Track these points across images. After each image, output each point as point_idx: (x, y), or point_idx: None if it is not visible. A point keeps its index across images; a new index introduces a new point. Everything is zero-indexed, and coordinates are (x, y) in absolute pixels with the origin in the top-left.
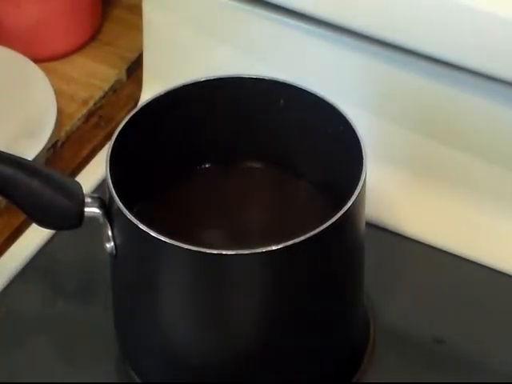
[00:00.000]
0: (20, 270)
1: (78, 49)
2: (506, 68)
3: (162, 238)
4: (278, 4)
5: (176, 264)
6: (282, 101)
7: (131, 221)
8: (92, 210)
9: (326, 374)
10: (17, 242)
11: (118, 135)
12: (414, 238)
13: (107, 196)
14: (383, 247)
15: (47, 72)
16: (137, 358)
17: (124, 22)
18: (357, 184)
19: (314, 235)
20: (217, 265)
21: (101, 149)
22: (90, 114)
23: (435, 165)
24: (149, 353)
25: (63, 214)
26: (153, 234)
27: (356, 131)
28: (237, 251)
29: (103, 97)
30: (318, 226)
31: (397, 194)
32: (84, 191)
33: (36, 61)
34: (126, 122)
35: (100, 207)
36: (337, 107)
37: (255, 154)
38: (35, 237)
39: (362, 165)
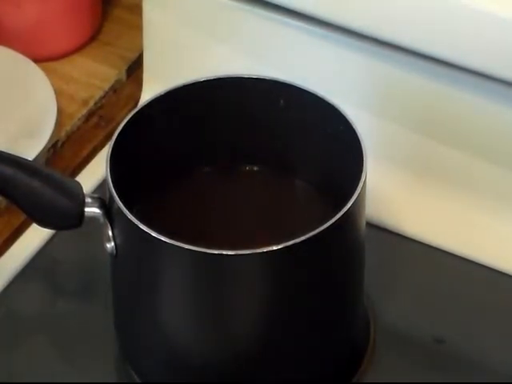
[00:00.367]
0: (20, 270)
1: (78, 49)
2: (506, 68)
3: (162, 238)
4: (278, 4)
5: (176, 264)
6: (281, 101)
7: (131, 221)
8: (92, 209)
9: (326, 374)
10: (17, 242)
11: (118, 135)
12: (413, 238)
13: (107, 196)
14: (383, 247)
15: (47, 72)
16: (137, 358)
17: (124, 21)
18: (357, 184)
19: (314, 235)
20: (217, 265)
21: (101, 149)
22: (90, 114)
23: (435, 165)
24: (149, 353)
25: (63, 214)
26: (153, 234)
27: (356, 131)
28: (237, 251)
29: (103, 97)
30: (318, 226)
31: (397, 194)
32: (84, 191)
33: (36, 61)
34: (126, 122)
35: (100, 207)
36: (337, 107)
37: (255, 154)
38: (35, 237)
39: (362, 165)
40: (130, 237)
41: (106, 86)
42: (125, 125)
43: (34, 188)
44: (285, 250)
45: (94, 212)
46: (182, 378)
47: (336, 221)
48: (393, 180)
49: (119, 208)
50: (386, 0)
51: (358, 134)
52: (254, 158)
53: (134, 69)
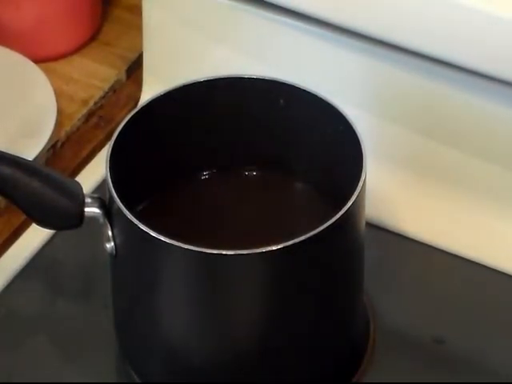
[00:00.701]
0: (20, 270)
1: (78, 49)
2: (505, 68)
3: (162, 238)
4: (278, 4)
5: (176, 264)
6: (281, 101)
7: (131, 221)
8: (92, 210)
9: (326, 374)
10: (17, 242)
11: (117, 135)
12: (413, 238)
13: (107, 196)
14: (383, 247)
15: (47, 72)
16: (137, 358)
17: (124, 22)
18: (357, 184)
19: (314, 235)
20: (217, 265)
21: (101, 149)
22: (89, 114)
23: (435, 165)
24: (149, 353)
25: (63, 214)
26: (153, 234)
27: (356, 131)
28: (237, 251)
29: (103, 97)
30: (318, 226)
31: (397, 194)
32: (84, 191)
33: (36, 61)
34: (126, 122)
35: (100, 207)
36: (337, 107)
37: (255, 154)
38: (35, 237)
39: (362, 165)
40: (129, 237)
41: (106, 87)
42: (124, 125)
43: (34, 188)
44: (285, 250)
45: (94, 212)
46: (182, 378)
47: (336, 221)
48: (393, 180)
49: (119, 208)
50: (386, 0)
51: (358, 134)
52: (253, 157)
53: (134, 69)
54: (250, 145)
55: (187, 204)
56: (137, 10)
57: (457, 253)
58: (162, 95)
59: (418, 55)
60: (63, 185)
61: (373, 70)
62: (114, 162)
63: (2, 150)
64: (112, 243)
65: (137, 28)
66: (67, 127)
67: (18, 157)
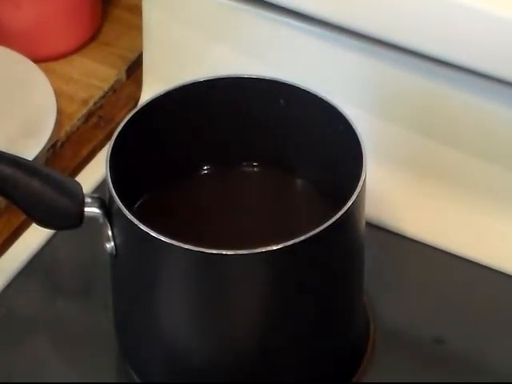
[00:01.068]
0: (20, 270)
1: (78, 49)
2: (505, 68)
3: (162, 238)
4: (278, 4)
5: (176, 264)
6: (281, 101)
7: (131, 221)
8: (92, 209)
9: (326, 374)
10: (17, 242)
11: (117, 135)
12: (413, 238)
13: (107, 196)
14: (383, 247)
15: (47, 72)
16: (137, 358)
17: (124, 22)
18: (357, 184)
19: (314, 235)
20: (217, 265)
21: (101, 149)
22: (89, 114)
23: (435, 165)
24: (149, 353)
25: (63, 214)
26: (153, 233)
27: (356, 131)
28: (237, 251)
29: (103, 97)
30: (318, 226)
31: (397, 194)
32: (84, 191)
33: (36, 61)
34: (126, 122)
35: (100, 207)
36: (337, 107)
37: (255, 154)
38: (35, 237)
39: (362, 165)
40: (129, 237)
41: (106, 86)
42: (124, 125)
43: (34, 188)
44: (284, 250)
45: (94, 212)
46: (182, 378)
47: (336, 220)
48: (393, 180)
49: (119, 208)
50: (386, 0)
51: (358, 134)
52: (253, 157)
53: (134, 69)
54: (249, 145)
55: (187, 203)
56: (137, 10)
57: (457, 253)
58: (161, 95)
59: (417, 55)
60: (63, 185)
61: (373, 70)
62: (114, 162)
63: (2, 149)
64: (112, 243)
65: (137, 28)
66: (67, 127)
67: (18, 157)
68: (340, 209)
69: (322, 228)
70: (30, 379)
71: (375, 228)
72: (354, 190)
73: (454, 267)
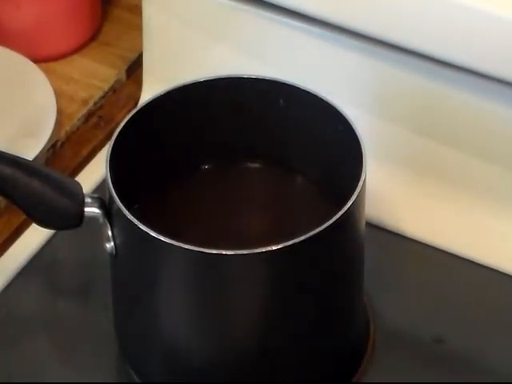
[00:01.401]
0: (20, 270)
1: (78, 49)
2: (505, 68)
3: (162, 238)
4: (278, 4)
5: (176, 264)
6: (281, 101)
7: (131, 221)
8: (92, 209)
9: (326, 374)
10: (17, 242)
11: (117, 135)
12: (414, 238)
13: (107, 196)
14: (383, 247)
15: (47, 72)
16: (137, 358)
17: (124, 22)
18: (357, 184)
19: (314, 235)
20: (217, 265)
21: (101, 149)
22: (89, 114)
23: (435, 165)
24: (149, 353)
25: (63, 214)
26: (153, 234)
27: (356, 131)
28: (237, 251)
29: (103, 97)
30: (318, 226)
31: (397, 194)
32: (84, 191)
33: (36, 61)
34: (126, 122)
35: (100, 207)
36: (337, 107)
37: (255, 154)
38: (35, 237)
39: (362, 165)
40: (129, 237)
41: (106, 87)
42: (124, 125)
43: (34, 188)
44: (284, 250)
45: (94, 212)
46: (182, 378)
47: (336, 220)
48: (393, 180)
49: (119, 208)
50: (386, 1)
51: (358, 134)
52: (253, 158)
53: (134, 69)
54: (249, 145)
55: (187, 203)
56: (137, 10)
57: (457, 253)
58: (161, 95)
59: (417, 55)
60: (63, 185)
61: (373, 70)
62: (114, 162)
63: (2, 149)
64: (112, 243)
65: (137, 28)
66: (67, 127)
67: (18, 157)
68: (340, 209)
69: (322, 228)
70: (29, 379)
71: (375, 228)
72: (354, 190)
73: (454, 267)
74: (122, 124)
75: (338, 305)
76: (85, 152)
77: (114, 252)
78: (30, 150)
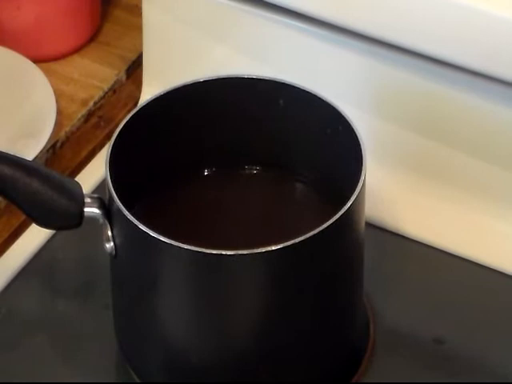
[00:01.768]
0: (20, 270)
1: (78, 49)
2: (505, 68)
3: (162, 238)
4: (278, 4)
5: (176, 264)
6: (281, 101)
7: (131, 221)
8: (92, 210)
9: (326, 374)
10: (17, 242)
11: (117, 135)
12: (414, 238)
13: (107, 196)
14: (383, 247)
15: (47, 72)
16: (137, 358)
17: (124, 22)
18: (356, 184)
19: (314, 235)
20: (217, 265)
21: (100, 149)
22: (89, 115)
23: (435, 165)
24: (148, 353)
25: (63, 214)
26: (153, 234)
27: (356, 131)
28: (237, 251)
29: (103, 97)
30: (317, 226)
31: (397, 194)
32: (84, 191)
33: (36, 61)
34: (126, 123)
35: (100, 207)
36: (336, 107)
37: (255, 154)
38: (35, 237)
39: (362, 165)
40: (129, 237)
41: (106, 87)
42: (124, 125)
43: (34, 188)
44: (284, 250)
45: (94, 212)
46: (182, 378)
47: (335, 221)
48: (392, 180)
49: (119, 208)
50: (386, 1)
51: (358, 135)
52: (253, 157)
53: (134, 69)
54: (249, 145)
55: (187, 203)
56: (136, 11)
57: (457, 253)
58: (161, 95)
59: (417, 55)
60: (63, 185)
61: (373, 70)
62: (114, 162)
63: (2, 149)
64: (112, 243)
65: (137, 28)
66: (67, 127)
67: (18, 157)
68: (340, 209)
69: (321, 228)
70: (30, 379)
71: (375, 228)
72: (354, 190)
73: (454, 267)
74: (122, 124)
75: (338, 305)
76: (85, 152)
77: (114, 252)
78: (30, 150)
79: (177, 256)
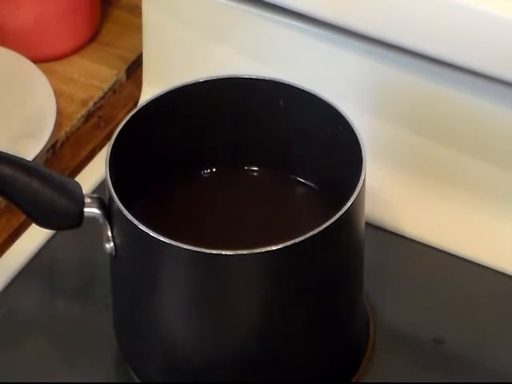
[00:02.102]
0: (20, 270)
1: (78, 49)
2: (505, 68)
3: (162, 238)
4: (278, 4)
5: (176, 264)
6: (281, 101)
7: (131, 221)
8: (92, 210)
9: (326, 374)
10: (17, 242)
11: (117, 135)
12: (414, 238)
13: (107, 196)
14: (383, 247)
15: (47, 73)
16: (137, 358)
17: (123, 22)
18: (356, 184)
19: (314, 235)
20: (217, 265)
21: (101, 149)
22: (89, 115)
23: (435, 165)
24: (148, 353)
25: (63, 214)
26: (153, 234)
27: (355, 131)
28: (237, 251)
29: (103, 97)
30: (317, 226)
31: (397, 194)
32: (84, 191)
33: (36, 61)
34: (126, 123)
35: (100, 207)
36: (336, 107)
37: (255, 154)
38: (35, 237)
39: (362, 165)
40: (129, 237)
41: (106, 87)
42: (124, 125)
43: (34, 188)
44: (284, 250)
45: (94, 212)
46: (182, 378)
47: (335, 221)
48: (392, 180)
49: (119, 208)
50: (386, 1)
51: (358, 135)
52: (253, 157)
53: (134, 69)
54: (249, 145)
55: (187, 203)
56: (136, 11)
57: (457, 253)
58: (161, 95)
59: (418, 55)
60: (63, 185)
61: (373, 70)
62: (114, 163)
63: (2, 149)
64: (112, 243)
65: (136, 28)
66: (67, 127)
67: (18, 157)
68: (340, 209)
69: (321, 228)
70: (29, 379)
71: (375, 228)
72: (354, 190)
73: (453, 267)
74: (122, 124)
75: (338, 305)
76: (84, 152)
77: (114, 252)
78: (30, 150)
79: (177, 256)
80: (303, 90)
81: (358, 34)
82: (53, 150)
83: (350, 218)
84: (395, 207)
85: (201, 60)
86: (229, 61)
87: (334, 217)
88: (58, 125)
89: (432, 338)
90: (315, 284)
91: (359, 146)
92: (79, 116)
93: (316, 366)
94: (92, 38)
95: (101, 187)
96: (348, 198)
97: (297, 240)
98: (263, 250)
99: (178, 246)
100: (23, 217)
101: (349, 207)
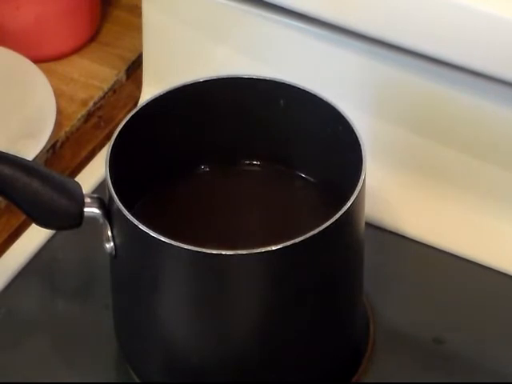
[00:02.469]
0: (20, 270)
1: (78, 49)
2: (505, 68)
3: (162, 238)
4: (278, 4)
5: (176, 264)
6: (281, 101)
7: (131, 221)
8: (92, 210)
9: (326, 374)
10: (17, 242)
11: (117, 135)
12: (414, 238)
13: (107, 196)
14: (383, 247)
15: (47, 72)
16: (137, 358)
17: (123, 22)
18: (356, 184)
19: (314, 235)
20: (216, 265)
21: (101, 149)
22: (89, 115)
23: (435, 165)
24: (148, 353)
25: (63, 214)
26: (153, 234)
27: (355, 131)
28: (237, 251)
29: (103, 97)
30: (317, 226)
31: (397, 194)
32: (84, 191)
33: (36, 61)
34: (126, 123)
35: (100, 207)
36: (336, 107)
37: (255, 154)
38: (35, 237)
39: (362, 165)
40: (129, 237)
41: (106, 87)
42: (124, 125)
43: (34, 188)
44: (284, 250)
45: (94, 212)
46: (182, 378)
47: (335, 221)
48: (392, 180)
49: (119, 208)
50: (386, 1)
51: (358, 134)
52: (253, 158)
53: (134, 69)
54: (249, 145)
55: (187, 203)
56: (136, 11)
57: (457, 253)
58: (161, 95)
59: (417, 55)
60: (63, 185)
61: (372, 70)
62: (114, 162)
63: (2, 149)
64: (112, 243)
65: (136, 28)
66: (67, 127)
67: (18, 157)
68: (340, 209)
69: (321, 228)
70: (30, 379)
71: (375, 228)
72: (354, 190)
73: (453, 267)
74: (122, 124)
75: (338, 305)
76: (84, 152)
77: (114, 252)
78: (30, 150)
79: (177, 256)
80: (303, 90)
81: (358, 34)
82: (53, 150)
83: (350, 218)
84: (395, 207)
85: (201, 60)
86: (229, 61)
87: (334, 217)
88: (57, 125)
89: (432, 337)
90: (315, 284)
91: (359, 145)
92: (79, 116)
93: (316, 366)
94: (92, 38)
95: (101, 187)
96: (348, 198)
97: (297, 240)
98: (263, 250)
99: (178, 246)
100: (23, 217)
101: (349, 207)
